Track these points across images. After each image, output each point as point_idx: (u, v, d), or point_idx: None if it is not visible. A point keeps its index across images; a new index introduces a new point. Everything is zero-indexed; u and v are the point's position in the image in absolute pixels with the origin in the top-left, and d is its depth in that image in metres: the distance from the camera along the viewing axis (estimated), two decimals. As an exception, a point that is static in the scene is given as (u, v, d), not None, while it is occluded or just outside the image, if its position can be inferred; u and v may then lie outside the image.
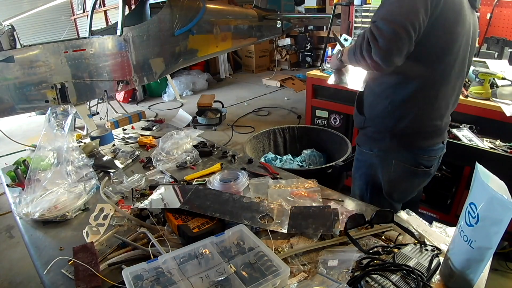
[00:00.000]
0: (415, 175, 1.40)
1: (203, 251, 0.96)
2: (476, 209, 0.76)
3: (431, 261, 0.88)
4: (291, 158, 2.25)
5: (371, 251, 0.97)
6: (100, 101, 4.38)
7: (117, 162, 1.63)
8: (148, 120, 2.26)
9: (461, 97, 2.09)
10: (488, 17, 2.43)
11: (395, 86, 1.28)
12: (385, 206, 1.32)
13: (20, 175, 1.49)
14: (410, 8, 1.08)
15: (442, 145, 1.42)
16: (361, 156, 1.51)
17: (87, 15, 4.47)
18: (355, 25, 2.88)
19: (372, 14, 2.73)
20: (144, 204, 1.22)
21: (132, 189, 1.38)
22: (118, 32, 3.58)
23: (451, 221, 1.49)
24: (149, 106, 5.78)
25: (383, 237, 1.05)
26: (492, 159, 1.87)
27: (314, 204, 1.22)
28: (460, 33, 1.20)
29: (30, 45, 3.08)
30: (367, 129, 1.44)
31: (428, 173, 1.42)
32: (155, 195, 1.27)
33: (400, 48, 1.08)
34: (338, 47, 1.70)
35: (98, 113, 4.58)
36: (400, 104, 1.29)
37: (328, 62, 1.60)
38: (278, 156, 2.27)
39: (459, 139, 1.98)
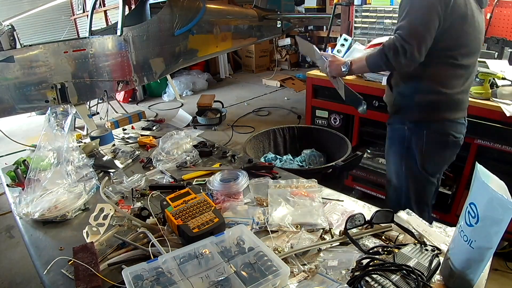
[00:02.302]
0: (446, 144, 1.54)
1: (203, 251, 0.96)
2: (476, 209, 0.76)
3: (431, 261, 0.88)
4: (291, 158, 2.25)
5: (371, 251, 0.97)
6: (100, 101, 4.38)
7: (117, 162, 1.63)
8: (148, 120, 2.26)
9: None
10: (488, 17, 2.42)
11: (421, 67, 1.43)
12: (421, 181, 1.60)
13: (20, 175, 1.49)
14: (426, 19, 1.32)
15: (464, 121, 1.58)
16: (393, 133, 1.64)
17: (87, 15, 4.47)
18: (355, 25, 2.88)
19: (372, 14, 2.74)
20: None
21: (132, 189, 1.38)
22: (118, 32, 3.58)
23: (451, 221, 1.49)
24: (149, 106, 5.77)
25: (383, 237, 1.05)
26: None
27: (314, 204, 1.23)
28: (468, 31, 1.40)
29: (30, 45, 3.08)
30: (397, 105, 1.59)
31: (458, 144, 1.56)
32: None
33: (421, 53, 1.34)
34: (317, 54, 1.76)
35: (98, 113, 4.58)
36: (426, 79, 1.47)
37: (327, 68, 1.63)
38: (278, 156, 2.27)
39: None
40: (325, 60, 1.65)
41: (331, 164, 1.83)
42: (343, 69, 1.55)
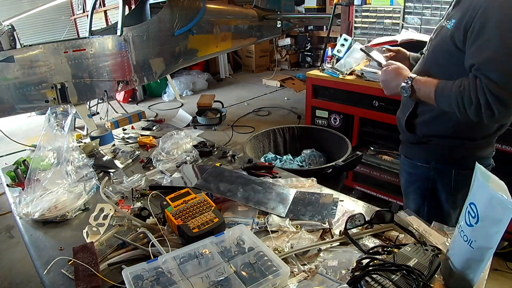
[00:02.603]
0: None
1: (203, 251, 0.96)
2: (476, 209, 0.76)
3: (431, 261, 0.88)
4: (291, 158, 2.25)
5: (371, 251, 0.97)
6: (100, 101, 4.38)
7: (117, 162, 1.63)
8: (148, 120, 2.26)
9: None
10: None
11: None
12: (443, 216, 1.34)
13: (20, 175, 1.49)
14: None
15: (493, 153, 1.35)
16: (414, 169, 1.38)
17: (87, 15, 4.47)
18: (355, 25, 2.88)
19: (372, 14, 2.73)
20: (167, 181, 1.39)
21: (132, 189, 1.38)
22: (118, 32, 3.58)
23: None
24: (149, 106, 5.78)
25: (383, 237, 1.05)
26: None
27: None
28: None
29: (30, 45, 3.08)
30: (422, 142, 1.31)
31: None
32: (176, 173, 1.44)
33: None
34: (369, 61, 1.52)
35: (98, 113, 4.58)
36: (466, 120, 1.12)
37: (378, 79, 1.36)
38: (278, 156, 2.27)
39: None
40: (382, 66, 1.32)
41: (331, 164, 1.83)
42: (403, 86, 1.18)
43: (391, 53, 1.46)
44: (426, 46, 1.32)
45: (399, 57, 1.44)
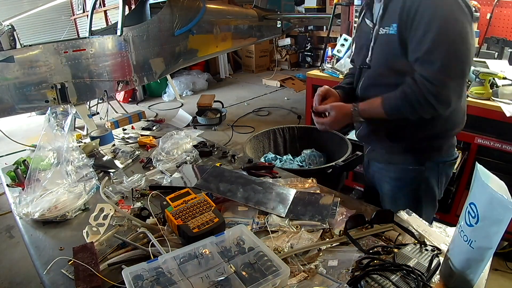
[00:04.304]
0: (454, 163, 1.38)
1: (203, 251, 0.96)
2: (476, 209, 0.76)
3: (431, 261, 0.88)
4: (291, 158, 2.25)
5: (371, 251, 0.97)
6: (100, 101, 4.39)
7: (117, 162, 1.63)
8: (148, 120, 2.26)
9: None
10: (488, 17, 2.43)
11: None
12: (435, 207, 1.40)
13: (20, 175, 1.49)
14: (468, 49, 1.04)
15: None
16: (404, 174, 1.34)
17: (87, 15, 4.47)
18: (355, 25, 2.88)
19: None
20: (167, 181, 1.39)
21: (132, 189, 1.38)
22: (118, 32, 3.59)
23: (451, 221, 1.49)
24: (149, 106, 5.78)
25: (383, 237, 1.05)
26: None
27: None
28: None
29: (30, 45, 3.09)
30: (413, 147, 1.30)
31: None
32: (176, 173, 1.44)
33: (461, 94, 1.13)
34: None
35: (98, 113, 4.58)
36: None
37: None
38: (278, 156, 2.27)
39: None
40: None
41: (331, 164, 1.83)
42: (354, 117, 1.21)
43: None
44: (360, 60, 1.31)
45: (329, 96, 1.38)
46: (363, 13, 1.31)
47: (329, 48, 2.98)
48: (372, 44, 1.22)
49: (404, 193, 1.37)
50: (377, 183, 1.47)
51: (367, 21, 1.27)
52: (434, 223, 1.11)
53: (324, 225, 1.10)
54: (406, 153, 1.31)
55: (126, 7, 4.10)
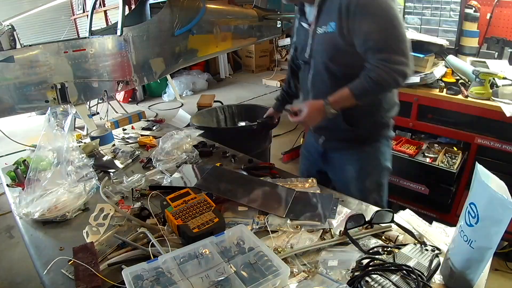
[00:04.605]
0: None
1: (203, 251, 0.96)
2: (476, 209, 0.76)
3: (431, 261, 0.88)
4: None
5: (371, 251, 0.97)
6: (100, 101, 4.38)
7: (117, 162, 1.63)
8: (148, 120, 2.26)
9: (461, 97, 2.10)
10: (488, 17, 2.43)
11: None
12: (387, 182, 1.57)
13: (20, 175, 1.49)
14: (404, 29, 1.22)
15: None
16: (366, 152, 1.49)
17: (87, 15, 4.47)
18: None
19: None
20: (167, 181, 1.39)
21: (132, 189, 1.38)
22: (118, 32, 3.58)
23: (451, 221, 1.49)
24: (149, 106, 5.78)
25: (383, 237, 1.05)
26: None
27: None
28: None
29: (30, 45, 3.08)
30: (370, 128, 1.46)
31: None
32: (176, 173, 1.44)
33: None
34: None
35: (98, 113, 4.58)
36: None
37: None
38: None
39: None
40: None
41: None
42: (327, 110, 1.28)
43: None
44: (302, 57, 1.43)
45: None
46: (298, 18, 1.45)
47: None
48: (310, 41, 1.36)
49: (369, 170, 1.51)
50: (338, 169, 1.55)
51: (304, 24, 1.40)
52: (434, 223, 1.11)
53: (324, 225, 1.10)
54: (364, 134, 1.45)
55: (126, 7, 4.10)
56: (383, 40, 1.20)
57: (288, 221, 1.13)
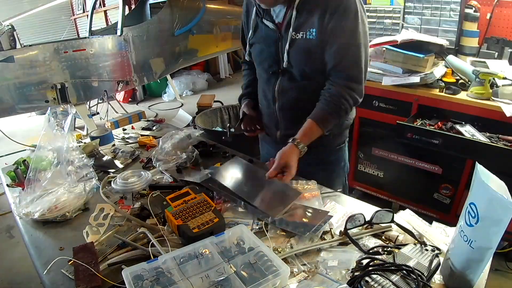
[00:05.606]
0: None
1: (203, 251, 0.96)
2: (476, 209, 0.76)
3: (431, 261, 0.88)
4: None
5: (371, 251, 0.97)
6: (100, 101, 4.38)
7: (117, 162, 1.63)
8: (148, 120, 2.26)
9: (461, 97, 2.10)
10: (488, 17, 2.42)
11: None
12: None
13: (20, 175, 1.49)
14: (366, 58, 1.26)
15: None
16: (334, 154, 1.54)
17: (87, 15, 4.48)
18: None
19: (372, 14, 2.73)
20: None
21: (132, 189, 1.38)
22: (118, 32, 3.59)
23: (451, 221, 1.49)
24: (149, 106, 5.78)
25: (383, 237, 1.05)
26: (493, 152, 1.88)
27: (314, 206, 1.22)
28: None
29: (30, 45, 3.09)
30: (335, 133, 1.47)
31: None
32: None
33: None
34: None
35: (98, 113, 4.58)
36: None
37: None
38: (225, 130, 2.60)
39: (462, 134, 2.00)
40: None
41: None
42: (301, 150, 1.24)
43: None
44: (268, 64, 1.38)
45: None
46: (260, 15, 1.33)
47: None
48: (287, 48, 1.28)
49: (337, 170, 1.56)
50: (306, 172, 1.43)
51: (267, 23, 1.32)
52: (434, 223, 1.11)
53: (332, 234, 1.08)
54: (332, 137, 1.46)
55: (126, 7, 4.10)
56: (352, 65, 1.24)
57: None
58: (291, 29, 1.25)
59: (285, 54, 1.30)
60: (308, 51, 1.26)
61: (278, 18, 1.30)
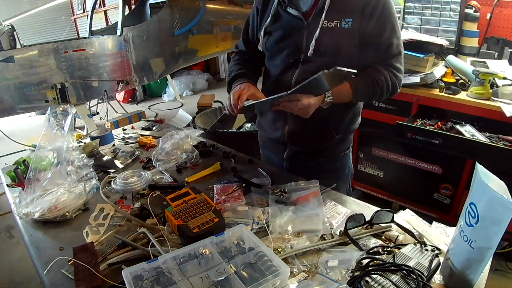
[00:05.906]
0: None
1: (203, 251, 0.96)
2: (476, 209, 0.76)
3: (431, 261, 0.88)
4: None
5: (371, 251, 0.97)
6: (100, 101, 4.38)
7: (117, 162, 1.63)
8: (148, 120, 2.26)
9: (461, 97, 2.11)
10: (488, 17, 2.43)
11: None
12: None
13: (20, 175, 1.49)
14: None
15: None
16: (337, 161, 1.53)
17: (87, 15, 4.48)
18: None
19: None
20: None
21: (132, 189, 1.38)
22: (118, 32, 3.59)
23: (451, 221, 1.49)
24: (149, 106, 5.78)
25: (383, 237, 1.05)
26: (493, 153, 1.88)
27: (314, 205, 1.21)
28: None
29: (30, 45, 3.09)
30: (343, 137, 1.47)
31: None
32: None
33: None
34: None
35: (98, 113, 4.58)
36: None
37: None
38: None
39: (462, 134, 2.00)
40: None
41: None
42: (326, 99, 1.23)
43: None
44: (289, 52, 1.31)
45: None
46: (283, 4, 1.28)
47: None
48: (317, 36, 1.22)
49: (343, 177, 1.55)
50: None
51: (291, 11, 1.26)
52: (434, 223, 1.11)
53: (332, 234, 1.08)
54: (339, 143, 1.46)
55: (126, 7, 4.10)
56: (398, 49, 1.27)
57: (289, 229, 1.11)
58: (323, 17, 1.20)
59: (313, 42, 1.23)
60: (340, 41, 1.22)
61: (306, 6, 1.25)
